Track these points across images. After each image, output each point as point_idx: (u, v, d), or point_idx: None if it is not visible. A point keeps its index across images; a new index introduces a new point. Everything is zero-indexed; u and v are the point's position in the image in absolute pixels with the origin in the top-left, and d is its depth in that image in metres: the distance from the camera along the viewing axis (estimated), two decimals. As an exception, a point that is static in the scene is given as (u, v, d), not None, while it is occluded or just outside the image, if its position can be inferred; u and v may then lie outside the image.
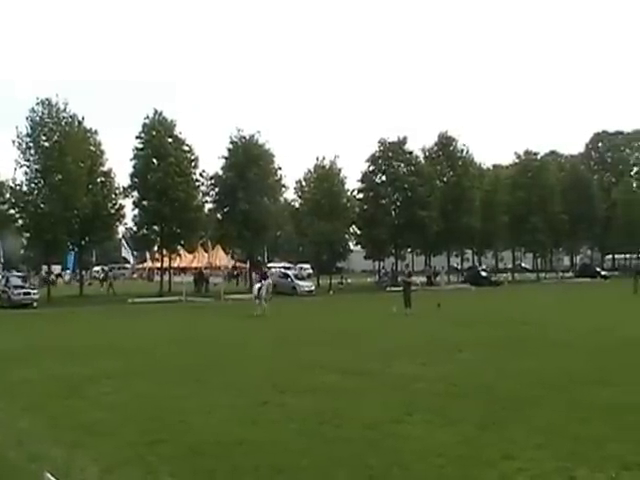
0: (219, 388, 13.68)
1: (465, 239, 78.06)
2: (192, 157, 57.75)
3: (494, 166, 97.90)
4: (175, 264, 65.46)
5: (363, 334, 24.16)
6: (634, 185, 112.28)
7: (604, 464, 8.04)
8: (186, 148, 57.40)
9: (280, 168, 61.35)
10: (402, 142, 72.97)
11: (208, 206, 61.26)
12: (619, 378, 13.77)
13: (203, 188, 59.42)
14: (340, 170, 66.81)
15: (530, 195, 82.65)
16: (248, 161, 57.77)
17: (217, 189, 59.89)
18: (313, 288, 61.12)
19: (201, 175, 58.85)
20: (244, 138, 59.87)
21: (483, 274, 77.34)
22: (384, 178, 72.12)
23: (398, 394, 12.51)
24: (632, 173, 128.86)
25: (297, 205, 73.80)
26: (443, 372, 14.99)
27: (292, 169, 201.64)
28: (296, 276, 65.16)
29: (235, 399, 12.45)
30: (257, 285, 35.76)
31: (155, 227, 57.35)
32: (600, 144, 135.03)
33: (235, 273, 76.60)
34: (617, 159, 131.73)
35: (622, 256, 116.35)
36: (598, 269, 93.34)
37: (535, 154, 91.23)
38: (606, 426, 9.76)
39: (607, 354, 17.69)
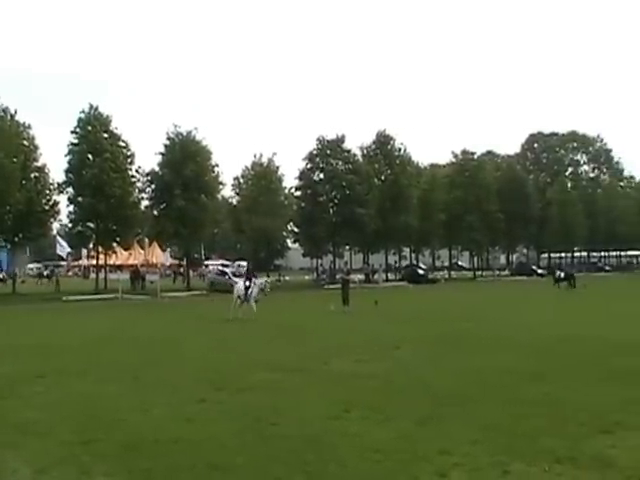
0: (156, 386, 13.52)
1: (403, 237, 78.65)
2: (128, 153, 57.12)
3: (431, 165, 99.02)
4: (111, 261, 64.67)
5: (301, 332, 24.15)
6: (569, 185, 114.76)
7: (538, 458, 8.17)
8: (122, 144, 56.77)
9: (217, 165, 61.09)
10: (340, 140, 73.23)
11: (145, 203, 60.65)
12: (554, 374, 14.00)
13: (139, 185, 58.86)
14: (278, 167, 66.92)
15: (467, 194, 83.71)
16: (185, 158, 57.31)
17: (153, 186, 59.28)
18: (250, 285, 60.88)
19: (137, 171, 58.24)
20: (181, 134, 59.38)
21: (420, 272, 78.12)
22: (322, 176, 72.35)
23: (336, 391, 12.53)
24: (567, 173, 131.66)
25: (235, 202, 73.55)
26: (381, 369, 15.07)
27: (230, 166, 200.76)
28: (234, 273, 64.96)
29: (172, 397, 12.33)
30: (240, 283, 31.76)
31: (90, 224, 56.56)
32: (536, 145, 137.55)
33: (181, 271, 75.85)
34: (552, 159, 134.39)
35: (557, 255, 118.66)
36: (534, 267, 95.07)
37: (472, 154, 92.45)
38: (540, 421, 9.92)
39: (543, 350, 17.96)
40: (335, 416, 10.50)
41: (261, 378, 14.14)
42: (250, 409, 11.12)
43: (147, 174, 59.08)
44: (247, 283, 30.51)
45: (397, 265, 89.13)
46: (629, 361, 15.38)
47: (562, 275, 55.02)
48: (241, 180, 70.88)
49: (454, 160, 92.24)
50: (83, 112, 55.85)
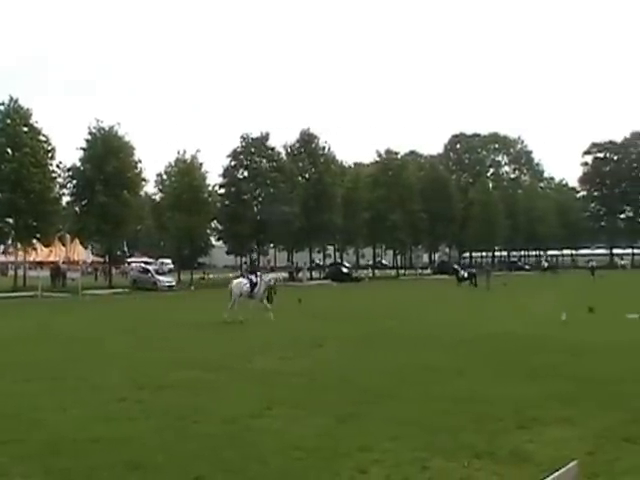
0: (76, 385, 13.29)
1: (327, 235, 78.92)
2: (49, 148, 55.83)
3: (355, 164, 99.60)
4: (31, 258, 63.23)
5: (224, 329, 24.07)
6: (490, 185, 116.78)
7: (457, 453, 8.30)
8: (42, 138, 55.47)
9: (140, 161, 60.28)
10: (264, 138, 73.16)
11: (66, 199, 59.49)
12: (473, 371, 14.23)
13: (60, 180, 57.54)
14: (201, 164, 66.30)
15: (390, 193, 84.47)
16: (107, 153, 56.39)
17: (75, 181, 58.15)
18: (174, 283, 60.61)
19: (58, 167, 57.00)
20: (103, 129, 58.40)
21: (344, 270, 78.51)
22: (246, 174, 72.12)
23: (258, 389, 12.52)
24: (488, 174, 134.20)
25: (158, 199, 72.78)
26: (303, 366, 15.10)
27: (153, 162, 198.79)
28: (157, 271, 64.45)
29: (92, 396, 12.14)
30: (241, 281, 28.86)
31: (9, 219, 55.06)
32: (458, 145, 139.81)
33: (103, 268, 74.45)
34: (474, 160, 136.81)
35: (479, 254, 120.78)
36: (456, 266, 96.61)
37: (396, 153, 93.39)
38: (460, 417, 10.07)
39: (463, 347, 18.23)
40: (257, 414, 10.49)
41: (183, 376, 14.04)
42: (171, 407, 11.03)
43: (68, 169, 57.90)
44: (254, 280, 28.07)
45: (321, 263, 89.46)
46: (545, 358, 15.73)
47: (465, 274, 55.71)
48: (164, 177, 70.12)
49: (378, 159, 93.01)
50: (2, 104, 54.46)
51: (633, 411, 10.32)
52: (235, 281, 29.01)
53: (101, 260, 66.32)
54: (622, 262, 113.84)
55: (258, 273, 28.82)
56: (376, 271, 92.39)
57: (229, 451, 8.54)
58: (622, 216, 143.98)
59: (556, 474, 4.65)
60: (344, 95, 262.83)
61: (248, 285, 27.78)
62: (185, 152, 66.36)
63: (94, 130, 58.45)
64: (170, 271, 78.64)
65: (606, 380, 12.91)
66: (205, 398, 11.77)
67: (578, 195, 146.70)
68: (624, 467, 7.76)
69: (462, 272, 57.20)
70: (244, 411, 10.67)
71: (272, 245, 79.52)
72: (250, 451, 8.53)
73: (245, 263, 73.59)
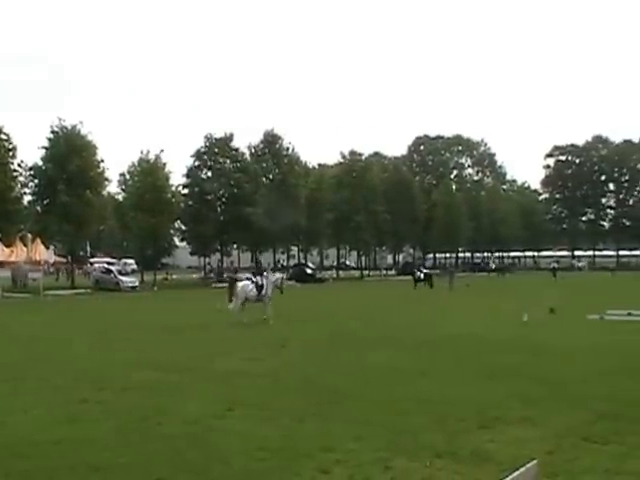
0: (37, 386, 13.16)
1: (291, 236, 78.92)
2: (10, 146, 55.29)
3: (319, 165, 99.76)
4: (-9, 258, 62.47)
5: (187, 330, 23.94)
6: (453, 187, 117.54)
7: (419, 453, 8.34)
8: (3, 137, 54.93)
9: (103, 160, 59.80)
10: (228, 138, 73.06)
11: (27, 198, 58.91)
12: (435, 371, 14.31)
13: (22, 179, 57.00)
14: (165, 164, 65.94)
15: (354, 194, 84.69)
16: (70, 152, 55.86)
17: (37, 180, 57.58)
18: (137, 284, 60.24)
19: (20, 165, 56.46)
20: (65, 128, 57.86)
21: (308, 271, 78.53)
22: (210, 174, 71.95)
23: (221, 390, 12.48)
24: (451, 176, 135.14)
25: (121, 199, 72.37)
26: (266, 367, 15.09)
27: (116, 162, 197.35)
28: (119, 271, 63.98)
29: (52, 397, 12.02)
30: (246, 283, 27.41)
31: (-31, 219, 54.48)
32: (422, 147, 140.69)
33: (65, 268, 73.75)
34: (437, 162, 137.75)
35: (442, 255, 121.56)
36: (420, 267, 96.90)
37: (359, 155, 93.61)
38: (422, 417, 10.12)
39: (426, 348, 18.32)
40: (219, 415, 10.47)
41: (146, 377, 13.96)
42: (134, 409, 10.96)
43: (30, 168, 57.35)
44: (260, 281, 26.87)
45: (285, 264, 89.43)
46: (507, 358, 15.87)
47: (421, 276, 55.71)
48: (127, 176, 69.76)
49: (342, 161, 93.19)
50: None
51: (593, 411, 10.44)
52: (240, 284, 27.68)
53: (63, 260, 65.70)
54: (579, 264, 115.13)
55: (264, 274, 27.73)
56: (340, 272, 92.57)
57: (191, 452, 8.51)
58: (583, 218, 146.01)
59: (516, 473, 4.71)
60: (308, 96, 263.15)
61: (254, 289, 26.65)
62: (148, 152, 66.03)
63: (56, 129, 57.90)
64: (133, 271, 78.18)
65: (567, 380, 13.05)
66: (168, 399, 11.71)
67: (540, 197, 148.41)
68: (583, 466, 7.84)
69: (418, 273, 56.98)
70: (207, 412, 10.64)
71: (235, 246, 79.33)
72: (212, 452, 8.51)
73: (214, 264, 73.07)
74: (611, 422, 9.72)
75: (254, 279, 27.07)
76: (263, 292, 26.51)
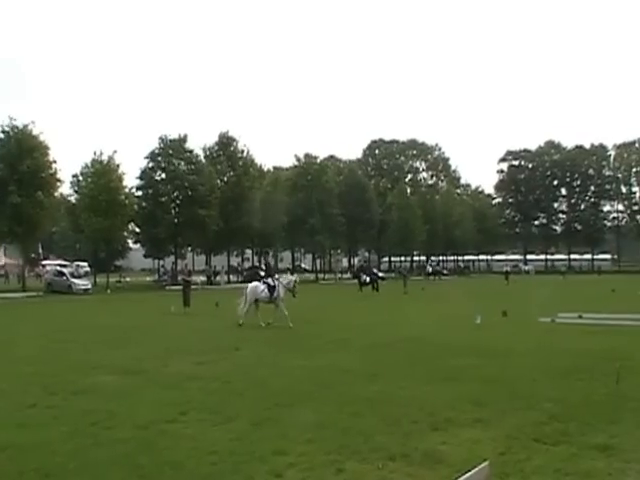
0: (-18, 391, 12.92)
1: (245, 239, 78.77)
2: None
3: (275, 168, 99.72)
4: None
5: (140, 333, 23.71)
6: (408, 191, 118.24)
7: (371, 456, 8.33)
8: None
9: (55, 161, 59.17)
10: (183, 140, 72.77)
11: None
12: (388, 374, 14.32)
13: (-28, 180, 56.10)
14: (118, 166, 65.40)
15: (309, 197, 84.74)
16: (21, 152, 55.14)
17: (-14, 182, 56.70)
18: (90, 286, 59.67)
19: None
20: (17, 128, 57.08)
21: (262, 274, 78.36)
22: (164, 176, 71.55)
23: (173, 393, 12.36)
24: (406, 180, 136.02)
25: (74, 200, 71.58)
26: (219, 370, 14.98)
27: (69, 163, 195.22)
28: (72, 274, 63.26)
29: (1, 402, 11.81)
30: (256, 285, 26.67)
31: None
32: (377, 151, 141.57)
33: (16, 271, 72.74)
34: (392, 166, 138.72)
35: (397, 258, 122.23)
36: (375, 270, 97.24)
37: (315, 158, 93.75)
38: (375, 419, 10.12)
39: (378, 351, 18.35)
40: (171, 419, 10.36)
41: (97, 381, 13.79)
42: (85, 413, 10.80)
43: (-20, 169, 56.46)
44: (272, 283, 26.16)
45: (240, 267, 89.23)
46: (459, 360, 15.94)
47: (367, 279, 55.47)
48: (80, 178, 68.95)
49: (297, 163, 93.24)
50: None
51: (543, 411, 10.54)
52: (250, 285, 27.09)
53: (14, 262, 64.83)
54: (526, 268, 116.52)
55: (276, 276, 27.19)
56: (295, 275, 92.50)
57: (143, 457, 8.40)
58: (536, 223, 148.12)
59: (468, 474, 4.72)
60: (264, 99, 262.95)
61: (266, 290, 26.02)
62: (102, 153, 65.43)
63: (7, 129, 57.12)
64: (86, 274, 77.31)
65: (518, 382, 13.15)
66: (119, 403, 11.57)
67: (494, 202, 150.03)
68: (534, 466, 7.91)
69: (364, 277, 56.56)
70: (158, 416, 10.52)
71: (190, 248, 78.97)
72: (164, 456, 8.42)
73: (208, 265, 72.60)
74: (561, 423, 9.82)
75: (266, 280, 26.46)
76: (275, 294, 25.87)
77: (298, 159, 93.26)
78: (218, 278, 74.93)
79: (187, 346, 19.79)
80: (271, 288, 25.85)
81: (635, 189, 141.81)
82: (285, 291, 26.28)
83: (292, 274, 30.88)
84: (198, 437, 9.27)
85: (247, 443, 8.94)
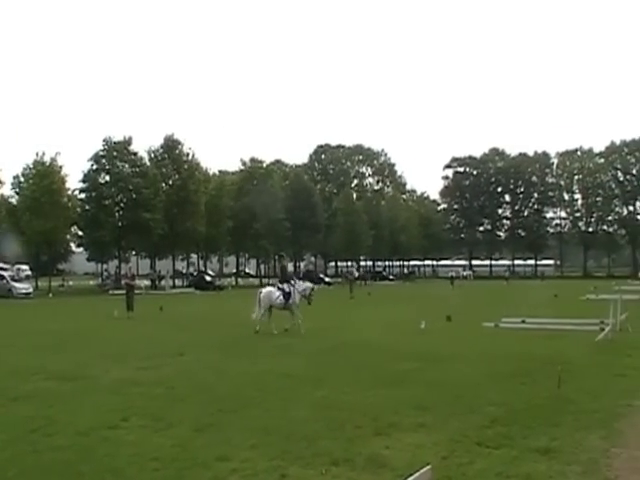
0: None
1: (190, 243, 78.32)
2: None
3: (220, 172, 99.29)
4: None
5: (83, 338, 23.37)
6: (354, 196, 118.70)
7: (315, 461, 8.31)
8: None
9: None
10: (127, 142, 72.07)
11: None
12: (332, 378, 14.31)
13: None
14: (61, 167, 64.49)
15: (255, 201, 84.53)
16: (-40, 154, 54.18)
17: None
18: (31, 290, 58.72)
19: None
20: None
21: (208, 278, 78.10)
22: (108, 178, 70.80)
23: (115, 399, 12.19)
24: (352, 185, 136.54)
25: (15, 202, 70.43)
26: (162, 375, 14.82)
27: (10, 163, 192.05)
28: (13, 277, 62.17)
29: None
30: (271, 290, 25.94)
31: None
32: (323, 156, 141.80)
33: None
34: (338, 171, 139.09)
35: (344, 263, 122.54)
36: (321, 275, 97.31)
37: (260, 162, 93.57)
38: (318, 424, 10.09)
39: (324, 355, 18.34)
40: (113, 425, 10.20)
41: (37, 387, 13.54)
42: (24, 420, 10.58)
43: None
44: (287, 289, 25.33)
45: (185, 271, 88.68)
46: (403, 365, 16.00)
47: None
48: (22, 179, 67.84)
49: (243, 168, 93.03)
50: None
51: (486, 415, 10.63)
52: (265, 290, 26.19)
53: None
54: (464, 273, 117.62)
55: (292, 282, 26.11)
56: (240, 280, 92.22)
57: (83, 464, 8.25)
58: (481, 228, 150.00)
59: (410, 479, 4.71)
60: (210, 101, 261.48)
61: (281, 296, 25.14)
62: (44, 154, 64.44)
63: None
64: (27, 278, 76.08)
65: (461, 386, 13.24)
66: (59, 409, 11.37)
67: (439, 207, 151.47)
68: (476, 470, 7.97)
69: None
70: (100, 422, 10.35)
71: (134, 252, 78.25)
72: (105, 463, 8.28)
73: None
74: (503, 427, 9.91)
75: (281, 286, 25.56)
76: (290, 300, 25.08)
77: (244, 163, 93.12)
78: (163, 282, 74.37)
79: (130, 351, 19.55)
80: (286, 294, 25.08)
81: (577, 196, 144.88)
82: (300, 298, 25.55)
83: (310, 282, 29.69)
84: (140, 443, 9.15)
85: (190, 449, 8.85)
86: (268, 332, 24.25)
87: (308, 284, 26.92)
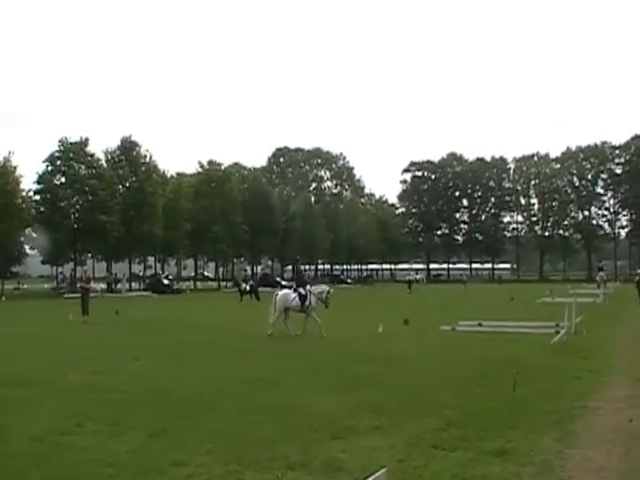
0: None
1: (147, 246, 77.81)
2: None
3: (178, 174, 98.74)
4: None
5: (36, 343, 23.07)
6: (312, 200, 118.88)
7: (271, 465, 8.26)
8: None
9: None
10: (84, 143, 71.43)
11: None
12: (289, 382, 14.27)
13: None
14: (15, 168, 63.66)
15: (213, 204, 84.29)
16: None
17: None
18: (-17, 294, 57.81)
19: None
20: None
21: (165, 282, 77.59)
22: (64, 180, 70.09)
23: (69, 405, 12.02)
24: (311, 188, 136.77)
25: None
26: (118, 380, 14.66)
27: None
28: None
29: None
30: (287, 292, 25.76)
31: None
32: (282, 159, 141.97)
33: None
34: (297, 174, 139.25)
35: (303, 267, 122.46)
36: (278, 279, 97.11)
37: (219, 164, 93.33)
38: (274, 428, 10.04)
39: (280, 359, 18.29)
40: (67, 431, 10.05)
41: (-12, 393, 13.31)
42: (-26, 427, 10.40)
43: None
44: (302, 292, 24.93)
45: (142, 274, 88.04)
46: (360, 368, 16.01)
47: (247, 288, 54.69)
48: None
49: (200, 170, 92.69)
50: None
51: (442, 418, 10.67)
52: (281, 292, 25.86)
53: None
54: (417, 277, 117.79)
55: (307, 286, 25.62)
56: (198, 283, 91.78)
57: (36, 471, 8.12)
58: (439, 232, 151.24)
59: (365, 483, 4.70)
60: (167, 102, 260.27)
61: (297, 298, 24.79)
62: (-3, 155, 63.57)
63: None
64: (-20, 281, 75.00)
65: (418, 389, 13.29)
66: (12, 415, 11.17)
67: (397, 211, 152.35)
68: (432, 472, 8.00)
69: (244, 285, 55.63)
70: (54, 428, 10.20)
71: (90, 255, 77.51)
72: (58, 470, 8.16)
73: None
74: (459, 429, 9.95)
75: (297, 289, 25.22)
76: (307, 303, 24.73)
77: (202, 165, 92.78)
78: (119, 286, 73.79)
79: (85, 356, 19.34)
80: (302, 297, 24.75)
81: (534, 201, 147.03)
82: (317, 301, 25.20)
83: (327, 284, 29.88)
84: (94, 449, 9.03)
85: (145, 455, 8.75)
86: (223, 335, 24.16)
87: (324, 287, 26.67)
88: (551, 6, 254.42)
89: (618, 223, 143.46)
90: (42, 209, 68.32)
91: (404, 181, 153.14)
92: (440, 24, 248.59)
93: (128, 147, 77.33)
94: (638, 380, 14.45)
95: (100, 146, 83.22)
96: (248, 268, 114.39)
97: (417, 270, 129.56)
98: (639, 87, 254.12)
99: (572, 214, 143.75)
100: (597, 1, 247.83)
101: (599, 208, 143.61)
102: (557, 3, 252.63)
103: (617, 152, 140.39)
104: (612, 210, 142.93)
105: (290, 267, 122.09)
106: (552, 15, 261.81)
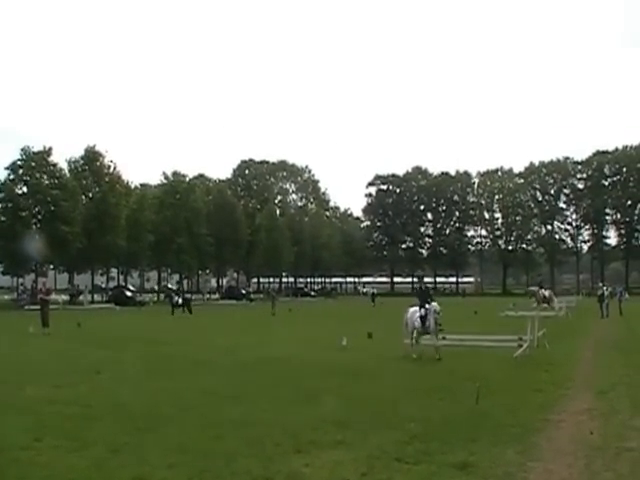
0: None
1: (110, 257, 77.21)
2: None
3: (142, 185, 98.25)
4: None
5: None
6: (277, 212, 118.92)
7: (233, 479, 8.19)
8: None
9: None
10: (47, 153, 70.80)
11: None
12: (250, 395, 14.18)
13: None
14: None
15: (177, 216, 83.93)
16: None
17: None
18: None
19: None
20: None
21: (128, 294, 76.95)
22: (25, 189, 69.44)
23: (27, 418, 11.80)
24: (275, 201, 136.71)
25: None
26: (78, 394, 14.44)
27: None
28: None
29: None
30: (414, 311, 22.74)
31: None
32: (247, 171, 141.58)
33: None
34: (262, 187, 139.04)
35: (266, 279, 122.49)
36: (244, 291, 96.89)
37: (183, 176, 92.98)
38: (237, 442, 9.95)
39: (243, 372, 18.19)
40: (25, 445, 9.84)
41: (-55, 407, 13.03)
42: None
43: None
44: (422, 311, 22.28)
45: (104, 286, 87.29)
46: (324, 382, 15.97)
47: (180, 301, 54.49)
48: None
49: (165, 181, 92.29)
50: None
51: (405, 431, 10.64)
52: (411, 310, 23.05)
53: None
54: (371, 290, 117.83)
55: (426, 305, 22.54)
56: (162, 295, 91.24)
57: (-8, 487, 7.98)
58: (403, 246, 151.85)
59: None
60: (132, 113, 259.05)
61: (419, 317, 22.30)
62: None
63: None
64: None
65: (381, 402, 13.28)
66: (-32, 430, 10.96)
67: (362, 225, 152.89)
68: (394, 486, 7.97)
69: (176, 298, 55.24)
70: (12, 443, 9.98)
71: (52, 266, 76.70)
72: (15, 486, 8.01)
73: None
74: (422, 442, 9.93)
75: (425, 307, 22.38)
76: (427, 323, 22.09)
77: (166, 177, 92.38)
78: (81, 297, 73.02)
79: (45, 369, 19.09)
80: (422, 318, 22.27)
81: (497, 215, 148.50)
82: (434, 319, 22.27)
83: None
84: (53, 464, 8.85)
85: (105, 470, 8.60)
86: (185, 348, 23.96)
87: (434, 304, 22.80)
88: (508, 22, 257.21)
89: (580, 237, 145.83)
90: (3, 219, 67.63)
91: (369, 194, 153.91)
92: (404, 42, 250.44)
93: (92, 157, 76.77)
94: (599, 393, 14.57)
95: (63, 155, 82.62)
96: (213, 280, 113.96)
97: (371, 284, 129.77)
98: (601, 104, 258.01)
99: (535, 228, 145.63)
100: (555, 19, 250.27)
101: (562, 222, 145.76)
102: (514, 19, 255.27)
103: (579, 167, 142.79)
104: (574, 225, 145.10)
105: (255, 280, 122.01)
106: (513, 32, 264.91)
